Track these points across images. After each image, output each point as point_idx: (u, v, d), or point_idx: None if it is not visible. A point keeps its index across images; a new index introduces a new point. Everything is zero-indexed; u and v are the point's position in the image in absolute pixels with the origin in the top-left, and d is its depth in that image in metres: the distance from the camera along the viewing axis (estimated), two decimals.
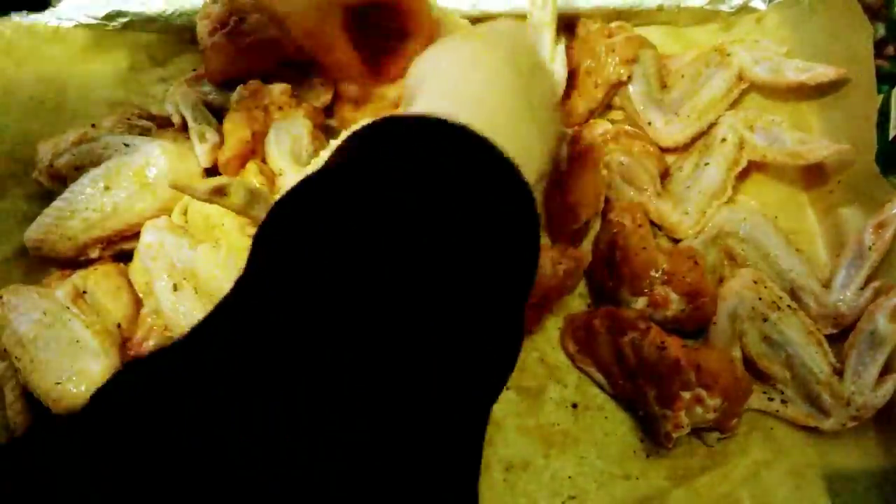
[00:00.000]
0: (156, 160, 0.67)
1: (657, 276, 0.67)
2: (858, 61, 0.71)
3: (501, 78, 0.44)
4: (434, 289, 0.32)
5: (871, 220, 0.68)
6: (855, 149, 0.70)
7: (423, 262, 0.32)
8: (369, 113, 0.71)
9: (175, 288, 0.62)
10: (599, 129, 0.73)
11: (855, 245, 0.68)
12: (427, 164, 0.35)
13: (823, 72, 0.73)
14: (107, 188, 0.66)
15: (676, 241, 0.72)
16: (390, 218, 0.33)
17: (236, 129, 0.69)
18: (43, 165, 0.70)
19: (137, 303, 0.67)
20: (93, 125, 0.71)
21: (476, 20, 0.75)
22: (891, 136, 0.71)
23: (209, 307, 0.59)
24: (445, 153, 0.36)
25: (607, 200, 0.71)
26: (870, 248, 0.67)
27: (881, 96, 0.72)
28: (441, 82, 0.44)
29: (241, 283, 0.33)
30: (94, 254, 0.67)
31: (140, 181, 0.67)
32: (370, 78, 0.66)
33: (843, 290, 0.67)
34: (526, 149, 0.42)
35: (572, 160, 0.71)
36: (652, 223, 0.72)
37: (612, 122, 0.76)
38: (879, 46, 0.78)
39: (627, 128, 0.73)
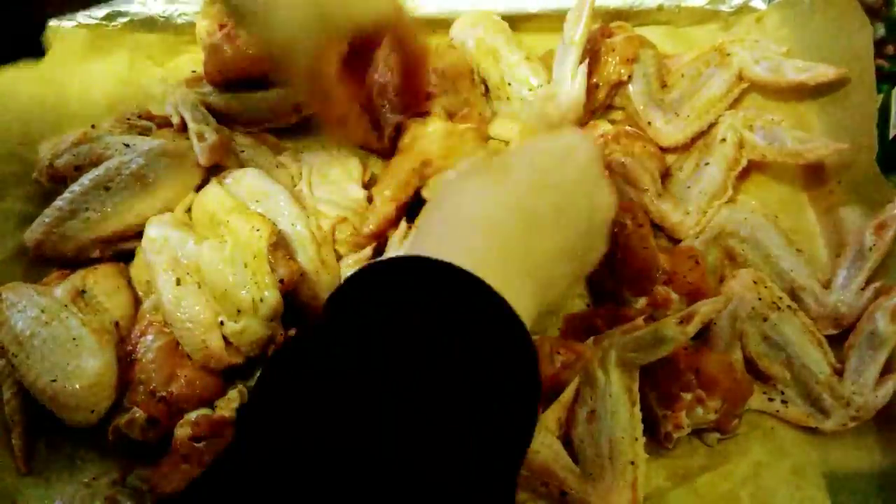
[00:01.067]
0: (156, 161, 0.67)
1: (658, 275, 0.67)
2: (858, 61, 0.71)
3: (521, 219, 0.44)
4: (433, 444, 0.33)
5: (871, 221, 0.68)
6: (855, 148, 0.70)
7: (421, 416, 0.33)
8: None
9: (178, 282, 0.62)
10: (600, 129, 0.73)
11: (855, 245, 0.68)
12: (426, 315, 0.36)
13: (823, 72, 0.73)
14: (107, 188, 0.66)
15: (677, 241, 0.72)
16: (391, 375, 0.34)
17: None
18: (43, 166, 0.70)
19: (136, 302, 0.67)
20: (92, 126, 0.71)
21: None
22: (891, 136, 0.71)
23: (212, 302, 0.59)
24: (444, 303, 0.37)
25: None
26: (870, 249, 0.67)
27: (881, 96, 0.72)
28: (454, 214, 0.44)
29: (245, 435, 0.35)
30: (95, 253, 0.67)
31: (141, 181, 0.67)
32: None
33: (844, 291, 0.67)
34: (538, 288, 0.43)
35: None
36: (652, 223, 0.72)
37: (613, 122, 0.76)
38: (879, 46, 0.78)
39: (628, 128, 0.73)
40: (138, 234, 0.67)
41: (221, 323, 0.60)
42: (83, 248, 0.67)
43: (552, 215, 0.45)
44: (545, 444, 0.59)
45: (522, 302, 0.40)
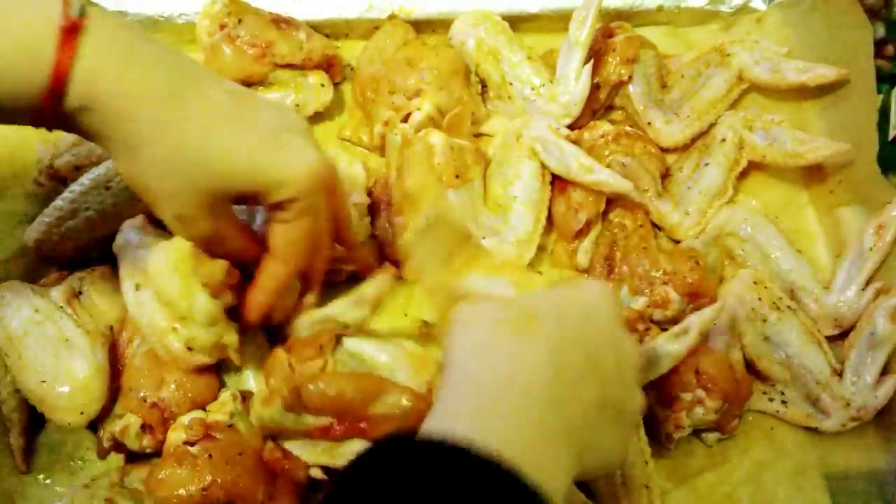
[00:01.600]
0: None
1: (657, 275, 0.67)
2: (858, 61, 0.71)
3: (554, 378, 0.40)
4: None
5: (871, 222, 0.68)
6: (855, 149, 0.70)
7: None
8: None
9: (136, 287, 0.60)
10: (600, 129, 0.73)
11: (855, 246, 0.68)
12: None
13: (824, 72, 0.73)
14: (107, 188, 0.65)
15: (677, 241, 0.72)
16: None
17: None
18: (43, 166, 0.70)
19: None
20: None
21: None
22: (891, 136, 0.71)
23: (165, 311, 0.55)
24: (462, 488, 0.33)
25: (608, 201, 0.71)
26: (870, 250, 0.67)
27: (881, 96, 0.72)
28: (471, 382, 0.40)
29: None
30: (95, 253, 0.67)
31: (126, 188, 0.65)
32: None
33: (844, 291, 0.67)
34: (568, 460, 0.39)
35: None
36: (652, 223, 0.72)
37: (613, 122, 0.76)
38: (879, 46, 0.78)
39: (628, 129, 0.73)
40: (101, 257, 0.65)
41: (175, 329, 0.58)
42: (83, 248, 0.67)
43: (584, 370, 0.42)
44: None
45: (558, 474, 0.38)
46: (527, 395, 0.39)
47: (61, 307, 0.62)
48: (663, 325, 0.66)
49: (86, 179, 0.66)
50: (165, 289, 0.56)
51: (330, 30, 0.80)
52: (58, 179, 0.70)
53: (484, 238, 0.68)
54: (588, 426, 0.42)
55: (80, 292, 0.64)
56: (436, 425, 0.37)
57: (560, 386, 0.40)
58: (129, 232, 0.64)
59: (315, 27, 0.78)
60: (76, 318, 0.61)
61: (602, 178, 0.68)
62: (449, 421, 0.37)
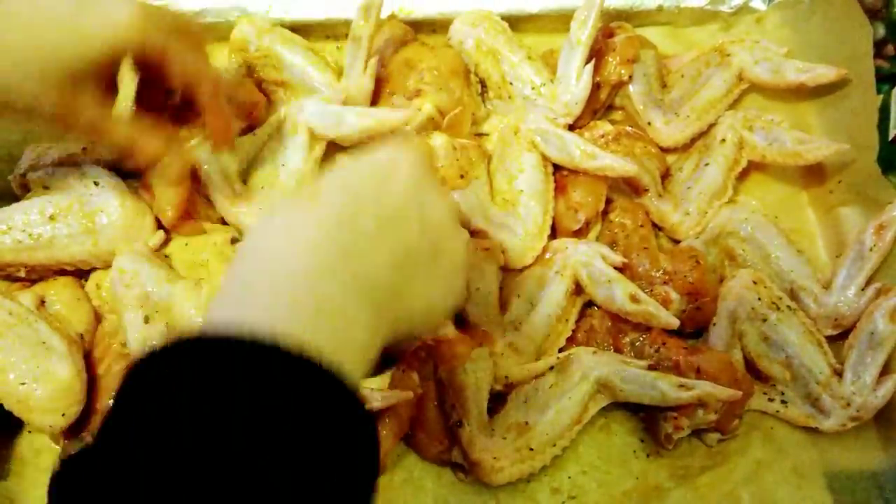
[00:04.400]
0: (111, 211, 0.64)
1: (658, 275, 0.67)
2: (858, 61, 0.71)
3: (338, 242, 0.40)
4: None
5: (871, 222, 0.68)
6: (855, 149, 0.70)
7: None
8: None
9: (146, 320, 0.60)
10: (600, 130, 0.73)
11: (856, 246, 0.68)
12: (229, 403, 0.31)
13: (824, 72, 0.73)
14: (52, 218, 0.63)
15: (677, 241, 0.72)
16: (205, 464, 0.29)
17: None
18: (17, 173, 0.68)
19: (97, 316, 0.65)
20: (84, 148, 0.68)
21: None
22: (891, 136, 0.71)
23: None
24: (247, 385, 0.32)
25: (608, 200, 0.71)
26: (870, 250, 0.67)
27: (881, 96, 0.72)
28: (256, 259, 0.40)
29: None
30: (20, 273, 0.65)
31: (86, 225, 0.64)
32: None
33: (844, 292, 0.67)
34: (369, 328, 0.39)
35: None
36: (653, 223, 0.72)
37: (613, 122, 0.76)
38: (879, 46, 0.78)
39: (628, 129, 0.73)
40: (60, 271, 0.66)
41: None
42: (5, 266, 0.65)
43: (377, 230, 0.41)
44: (477, 373, 0.61)
45: (355, 340, 0.38)
46: (304, 270, 0.38)
47: (33, 311, 0.61)
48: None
49: (37, 202, 0.64)
50: (193, 326, 0.56)
51: (330, 30, 0.80)
52: (26, 190, 0.68)
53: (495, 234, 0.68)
54: (394, 284, 0.41)
55: (43, 301, 0.64)
56: (217, 314, 0.37)
57: (346, 251, 0.40)
58: (134, 261, 0.63)
59: (315, 27, 0.78)
60: (49, 322, 0.61)
61: (606, 162, 0.68)
62: (228, 308, 0.37)
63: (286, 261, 0.38)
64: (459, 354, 0.61)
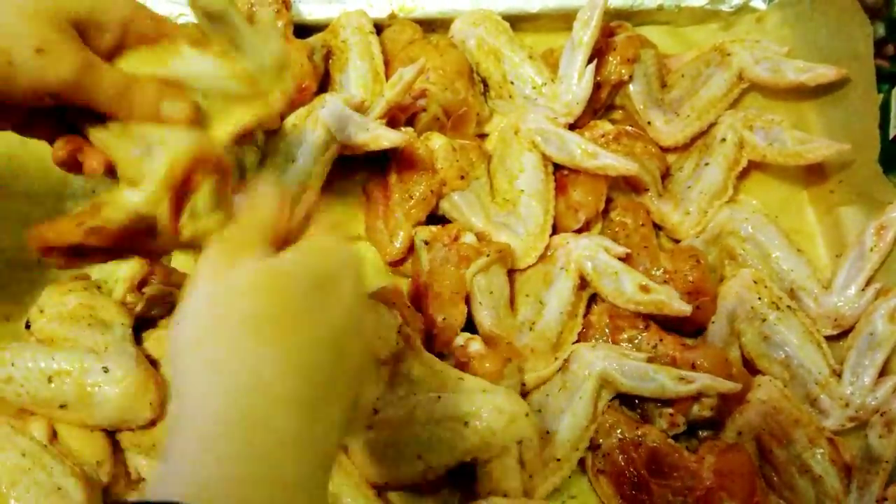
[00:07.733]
0: (109, 387, 0.60)
1: (658, 274, 0.67)
2: (858, 61, 0.71)
3: (293, 408, 0.35)
4: None
5: (872, 222, 0.68)
6: (855, 148, 0.70)
7: None
8: None
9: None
10: (600, 129, 0.73)
11: (856, 246, 0.68)
12: None
13: (824, 72, 0.73)
14: (49, 380, 0.60)
15: (677, 241, 0.72)
16: None
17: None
18: (132, 283, 0.66)
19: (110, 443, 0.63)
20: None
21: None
22: (891, 136, 0.71)
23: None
24: None
25: (609, 200, 0.71)
26: (871, 250, 0.67)
27: (881, 96, 0.72)
28: (207, 426, 0.34)
29: None
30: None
31: (81, 393, 0.60)
32: None
33: (844, 292, 0.67)
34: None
35: None
36: (653, 223, 0.72)
37: (613, 121, 0.76)
38: (879, 46, 0.78)
39: (629, 128, 0.73)
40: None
41: None
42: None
43: (331, 372, 0.37)
44: None
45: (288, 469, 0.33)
46: (277, 440, 0.34)
47: (45, 446, 0.59)
48: (663, 324, 0.66)
49: (38, 358, 0.61)
50: None
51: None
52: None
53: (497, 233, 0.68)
54: (342, 428, 0.38)
55: (55, 433, 0.61)
56: (167, 490, 0.31)
57: (310, 404, 0.35)
58: None
59: (316, 26, 0.78)
60: (65, 462, 0.59)
61: (607, 161, 0.68)
62: (180, 485, 0.32)
63: (208, 418, 0.34)
64: (490, 373, 0.60)
